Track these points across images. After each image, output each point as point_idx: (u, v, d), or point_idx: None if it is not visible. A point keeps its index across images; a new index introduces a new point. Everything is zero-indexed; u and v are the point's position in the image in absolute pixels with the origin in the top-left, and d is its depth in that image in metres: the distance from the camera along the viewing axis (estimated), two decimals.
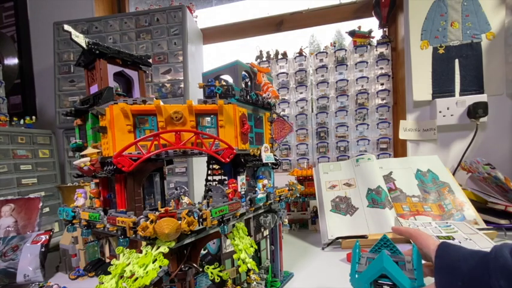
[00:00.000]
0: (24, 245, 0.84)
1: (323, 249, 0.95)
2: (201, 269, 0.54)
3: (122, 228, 0.45)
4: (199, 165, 1.40)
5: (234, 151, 0.54)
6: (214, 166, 0.77)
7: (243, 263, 0.53)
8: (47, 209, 1.37)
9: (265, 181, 0.66)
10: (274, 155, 0.72)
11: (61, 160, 1.52)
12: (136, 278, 0.41)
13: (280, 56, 1.55)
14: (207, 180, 0.78)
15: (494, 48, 1.23)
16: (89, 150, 0.55)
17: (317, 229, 1.15)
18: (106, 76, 0.57)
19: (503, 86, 1.24)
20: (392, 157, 1.41)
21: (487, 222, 0.95)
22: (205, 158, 0.76)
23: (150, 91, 1.42)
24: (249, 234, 0.62)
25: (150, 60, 0.67)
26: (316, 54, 1.50)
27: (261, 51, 1.58)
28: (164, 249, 0.43)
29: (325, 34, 1.68)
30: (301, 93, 1.53)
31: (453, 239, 0.77)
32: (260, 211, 0.65)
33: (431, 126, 1.30)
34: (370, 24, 1.48)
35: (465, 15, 1.25)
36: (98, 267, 0.86)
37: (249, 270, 0.55)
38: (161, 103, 0.51)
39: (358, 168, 1.15)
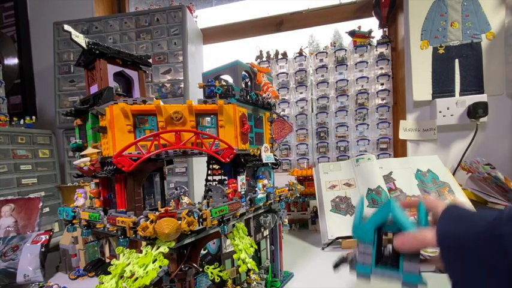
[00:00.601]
0: (24, 245, 0.84)
1: (323, 249, 0.95)
2: (201, 269, 0.54)
3: (122, 228, 0.45)
4: (199, 165, 1.40)
5: (234, 151, 0.54)
6: (214, 166, 0.77)
7: (243, 263, 0.53)
8: (47, 209, 1.37)
9: (265, 181, 0.66)
10: (274, 155, 0.72)
11: (61, 160, 1.52)
12: (137, 278, 0.41)
13: (280, 56, 1.55)
14: (207, 180, 0.78)
15: (494, 48, 1.23)
16: (89, 150, 0.55)
17: (317, 229, 1.15)
18: (106, 76, 0.57)
19: (503, 86, 1.24)
20: (392, 157, 1.40)
21: None
22: (205, 158, 0.76)
23: (150, 91, 1.42)
24: (249, 234, 0.62)
25: (150, 60, 0.67)
26: (316, 54, 1.50)
27: (261, 51, 1.58)
28: (164, 249, 0.43)
29: (324, 34, 1.68)
30: (301, 93, 1.53)
31: None
32: (260, 211, 0.65)
33: (431, 126, 1.30)
34: (370, 24, 1.48)
35: (465, 15, 1.25)
36: (98, 267, 0.86)
37: (249, 270, 0.55)
38: (161, 103, 0.51)
39: (358, 168, 1.15)
